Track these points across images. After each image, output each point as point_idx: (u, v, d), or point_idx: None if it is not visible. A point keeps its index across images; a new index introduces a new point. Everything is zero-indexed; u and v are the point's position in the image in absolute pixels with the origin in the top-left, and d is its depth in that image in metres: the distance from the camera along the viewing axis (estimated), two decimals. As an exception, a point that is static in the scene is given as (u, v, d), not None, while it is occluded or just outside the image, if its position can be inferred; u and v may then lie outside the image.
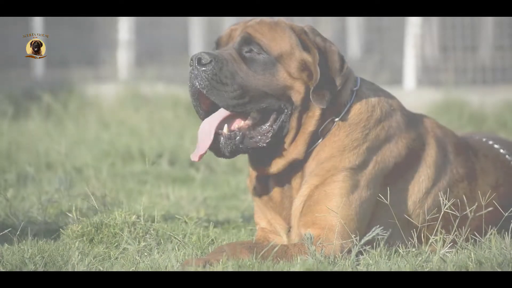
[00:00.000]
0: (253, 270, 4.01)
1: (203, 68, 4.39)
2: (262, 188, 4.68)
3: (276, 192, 4.62)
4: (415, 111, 5.06)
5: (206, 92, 4.40)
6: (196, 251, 4.68)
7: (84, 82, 13.25)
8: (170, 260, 4.37)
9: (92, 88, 13.13)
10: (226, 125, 4.45)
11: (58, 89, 12.22)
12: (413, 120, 4.76)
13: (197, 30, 16.72)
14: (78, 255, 4.45)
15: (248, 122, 4.47)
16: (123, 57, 14.56)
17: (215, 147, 4.46)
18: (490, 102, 11.51)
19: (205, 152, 4.44)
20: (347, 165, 4.49)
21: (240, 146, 4.45)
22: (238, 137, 4.45)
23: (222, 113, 4.47)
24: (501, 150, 5.06)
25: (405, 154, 4.62)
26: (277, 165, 4.54)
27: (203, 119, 4.53)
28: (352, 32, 16.42)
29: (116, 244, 4.82)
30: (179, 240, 4.83)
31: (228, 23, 16.08)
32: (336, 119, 4.55)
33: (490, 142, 5.11)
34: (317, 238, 4.37)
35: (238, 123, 4.48)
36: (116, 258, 4.60)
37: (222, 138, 4.44)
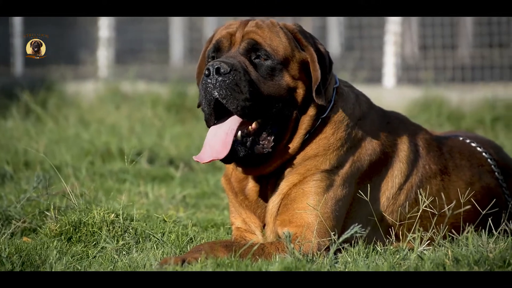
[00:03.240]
0: (232, 269, 4.01)
1: (221, 78, 4.39)
2: (238, 187, 4.69)
3: (252, 191, 4.64)
4: (395, 109, 5.09)
5: (226, 101, 4.39)
6: (174, 250, 4.69)
7: (63, 81, 13.20)
8: (149, 259, 4.37)
9: (72, 86, 13.09)
10: (240, 132, 4.46)
11: (37, 88, 12.16)
12: (385, 117, 4.82)
13: (178, 28, 16.70)
14: (56, 254, 4.44)
15: (254, 126, 4.49)
16: (103, 55, 14.51)
17: (228, 154, 4.44)
18: (469, 100, 11.57)
19: (221, 158, 4.42)
20: (327, 167, 4.53)
21: (250, 151, 4.46)
22: (249, 142, 4.46)
23: (232, 119, 4.47)
24: (478, 148, 5.10)
25: (379, 151, 4.67)
26: (272, 166, 4.57)
27: (210, 127, 4.52)
28: (332, 30, 16.46)
29: (94, 242, 4.81)
30: (157, 239, 4.83)
31: (209, 22, 16.07)
32: (322, 116, 4.59)
33: (468, 141, 5.14)
34: (295, 236, 4.39)
35: (247, 129, 4.48)
36: (94, 257, 4.59)
37: (236, 144, 4.44)
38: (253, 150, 4.46)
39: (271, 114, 4.48)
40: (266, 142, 4.49)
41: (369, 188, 4.55)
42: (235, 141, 4.43)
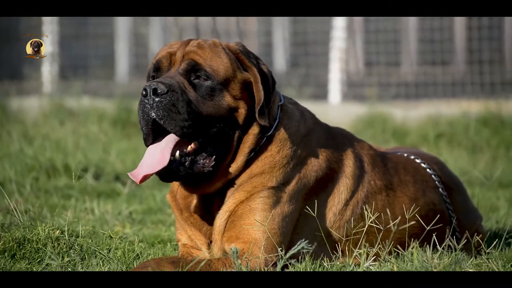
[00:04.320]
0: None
1: (159, 99, 4.37)
2: (183, 204, 4.68)
3: (197, 208, 4.63)
4: (340, 125, 5.13)
5: (163, 122, 4.38)
6: (121, 266, 4.65)
7: (7, 96, 13.04)
8: (96, 271, 4.33)
9: (15, 101, 12.94)
10: (178, 151, 4.44)
11: (-20, 103, 12.01)
12: (331, 133, 4.85)
13: (123, 43, 16.63)
14: (-1, 272, 4.37)
15: (194, 146, 4.48)
16: (47, 70, 14.38)
17: (165, 172, 4.43)
18: (413, 117, 11.73)
19: (151, 174, 4.42)
20: (274, 184, 4.53)
21: (189, 171, 4.45)
22: (187, 162, 4.45)
23: (170, 138, 4.45)
24: (422, 164, 5.16)
25: (325, 167, 4.69)
26: (215, 186, 4.56)
27: (148, 146, 4.51)
28: (278, 46, 16.54)
29: (39, 259, 4.75)
30: (103, 255, 4.79)
31: (155, 37, 16.03)
32: (267, 134, 4.60)
33: (412, 157, 5.20)
34: (242, 252, 4.39)
35: (186, 148, 4.47)
36: (39, 274, 4.53)
37: (175, 164, 4.43)
38: (193, 169, 4.46)
39: (212, 134, 4.48)
40: (207, 161, 4.48)
41: (316, 204, 4.57)
42: (174, 161, 4.43)
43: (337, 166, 4.75)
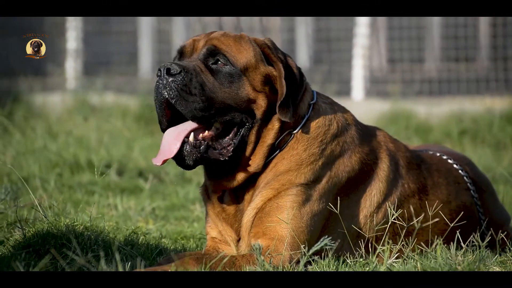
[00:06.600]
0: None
1: (172, 78, 4.39)
2: (216, 198, 4.68)
3: (229, 204, 4.62)
4: (363, 122, 5.10)
5: (175, 102, 4.39)
6: (144, 262, 4.66)
7: (31, 92, 13.12)
8: (118, 271, 4.34)
9: (39, 97, 13.01)
10: (192, 134, 4.45)
11: (4, 99, 12.07)
12: (367, 134, 4.80)
13: (147, 40, 16.67)
14: (24, 266, 4.40)
15: (212, 132, 4.48)
16: (71, 67, 14.44)
17: (179, 155, 4.45)
18: (436, 113, 11.67)
19: (170, 157, 4.44)
20: (302, 180, 4.50)
21: (204, 155, 4.44)
22: (202, 146, 4.44)
23: (187, 123, 4.46)
24: (454, 165, 5.11)
25: (358, 169, 4.65)
26: (236, 180, 4.55)
27: (164, 130, 4.52)
28: (301, 43, 16.51)
29: (63, 255, 4.77)
30: (127, 251, 4.80)
31: (178, 33, 16.06)
32: (294, 132, 4.58)
33: (444, 157, 5.15)
34: (266, 248, 4.38)
35: (203, 133, 4.47)
36: (63, 269, 4.55)
37: (188, 146, 4.43)
38: (208, 156, 4.45)
39: (227, 122, 4.46)
40: (224, 151, 4.48)
41: (346, 204, 4.54)
42: (187, 143, 4.43)
43: (371, 168, 4.70)
